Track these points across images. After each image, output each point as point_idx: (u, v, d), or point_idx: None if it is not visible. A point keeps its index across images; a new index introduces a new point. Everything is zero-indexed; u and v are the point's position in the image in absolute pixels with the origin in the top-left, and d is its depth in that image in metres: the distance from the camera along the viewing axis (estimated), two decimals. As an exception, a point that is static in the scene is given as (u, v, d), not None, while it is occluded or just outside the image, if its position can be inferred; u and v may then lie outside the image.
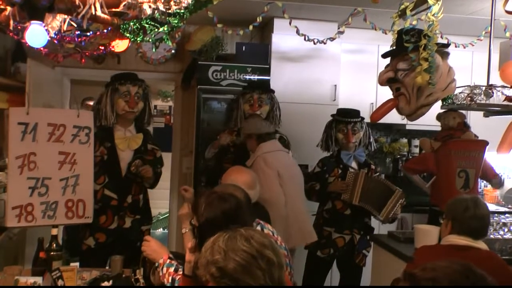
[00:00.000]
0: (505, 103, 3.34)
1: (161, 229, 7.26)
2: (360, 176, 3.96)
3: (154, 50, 3.65)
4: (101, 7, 1.91)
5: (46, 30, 2.32)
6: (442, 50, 3.12)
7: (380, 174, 4.14)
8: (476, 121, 4.75)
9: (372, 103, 5.12)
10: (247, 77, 4.74)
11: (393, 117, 3.61)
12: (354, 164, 4.16)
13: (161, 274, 2.41)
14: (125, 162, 3.66)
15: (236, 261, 1.48)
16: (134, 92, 3.67)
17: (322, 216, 4.12)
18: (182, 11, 2.23)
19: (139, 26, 2.47)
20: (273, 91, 4.37)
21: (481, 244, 2.54)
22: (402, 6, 3.22)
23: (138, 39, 2.64)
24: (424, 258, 2.58)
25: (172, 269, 2.39)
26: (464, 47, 4.61)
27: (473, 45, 4.61)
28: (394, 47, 3.28)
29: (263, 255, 1.50)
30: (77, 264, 3.05)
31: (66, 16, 2.36)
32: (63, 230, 4.92)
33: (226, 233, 1.57)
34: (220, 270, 1.49)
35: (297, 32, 4.24)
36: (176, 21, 2.43)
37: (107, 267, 3.26)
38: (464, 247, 2.48)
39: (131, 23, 2.43)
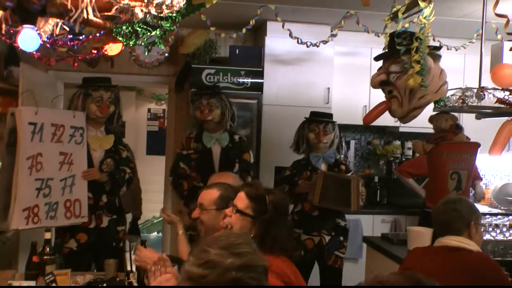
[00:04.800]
0: (497, 105, 3.35)
1: (155, 232, 7.24)
2: (318, 176, 3.91)
3: (146, 53, 3.65)
4: (93, 11, 1.91)
5: (39, 34, 2.31)
6: (434, 52, 3.13)
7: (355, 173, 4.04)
8: (468, 123, 4.78)
9: (365, 106, 5.14)
10: (241, 80, 4.75)
11: (386, 119, 3.61)
12: (323, 166, 4.12)
13: None
14: (97, 161, 3.72)
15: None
16: (107, 97, 3.71)
17: (293, 218, 4.07)
18: (174, 14, 2.23)
19: (131, 30, 2.48)
20: (222, 93, 4.13)
21: (474, 246, 2.55)
22: (394, 9, 3.22)
23: (131, 42, 2.64)
24: (416, 260, 2.60)
25: None
26: (456, 50, 4.63)
27: (465, 48, 4.62)
28: (387, 50, 3.30)
29: None
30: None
31: (58, 20, 2.36)
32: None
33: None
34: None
35: (290, 35, 4.25)
36: (168, 25, 2.44)
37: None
38: (456, 248, 2.49)
39: (124, 27, 2.44)
